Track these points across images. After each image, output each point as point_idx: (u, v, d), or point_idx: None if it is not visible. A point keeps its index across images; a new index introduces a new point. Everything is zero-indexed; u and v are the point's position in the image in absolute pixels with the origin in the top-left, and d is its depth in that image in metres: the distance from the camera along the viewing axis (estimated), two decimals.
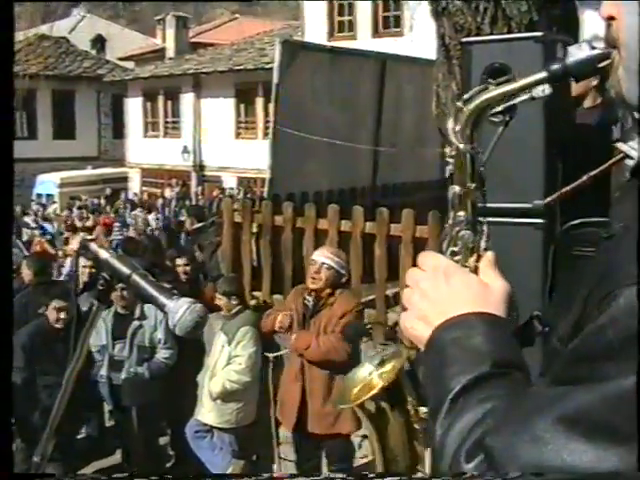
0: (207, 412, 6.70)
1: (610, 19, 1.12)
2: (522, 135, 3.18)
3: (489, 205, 1.32)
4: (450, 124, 1.31)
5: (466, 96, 1.31)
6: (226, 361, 6.57)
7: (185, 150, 28.40)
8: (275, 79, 8.51)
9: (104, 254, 2.08)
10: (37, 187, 30.92)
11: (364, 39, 21.55)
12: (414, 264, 1.26)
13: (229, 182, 26.07)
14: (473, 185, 1.30)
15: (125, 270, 2.01)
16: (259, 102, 25.32)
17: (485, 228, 1.32)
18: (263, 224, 8.01)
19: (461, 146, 1.29)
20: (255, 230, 8.16)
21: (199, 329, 1.91)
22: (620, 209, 1.13)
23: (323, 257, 5.91)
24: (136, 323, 7.01)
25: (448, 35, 6.03)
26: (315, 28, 23.44)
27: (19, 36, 35.38)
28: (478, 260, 1.28)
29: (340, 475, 5.11)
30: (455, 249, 1.30)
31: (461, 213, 1.30)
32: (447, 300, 1.19)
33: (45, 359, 6.53)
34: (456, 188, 1.31)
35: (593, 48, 1.22)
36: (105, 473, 7.47)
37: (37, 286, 7.63)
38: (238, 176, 25.75)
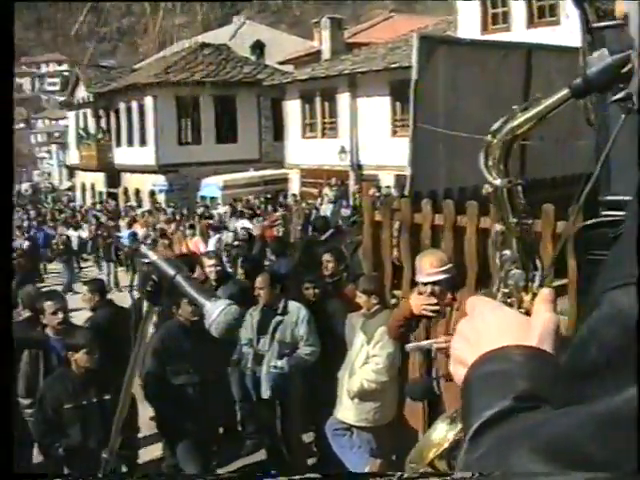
0: (346, 410, 6.71)
1: (625, 18, 1.01)
2: None
3: (609, 198, 1.24)
4: (481, 159, 1.24)
5: (494, 127, 1.24)
6: (364, 360, 6.56)
7: (342, 150, 28.61)
8: (414, 75, 8.39)
9: (152, 256, 2.16)
10: (202, 190, 32.03)
11: (519, 30, 21.03)
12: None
13: (386, 180, 26.04)
14: (514, 220, 1.23)
15: (170, 271, 2.08)
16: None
17: (539, 263, 1.24)
18: (402, 222, 7.94)
19: (497, 182, 1.22)
20: (396, 228, 8.10)
21: (233, 330, 1.91)
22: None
23: (428, 277, 5.76)
24: (278, 318, 7.14)
25: (591, 21, 5.77)
26: (468, 22, 23.12)
27: (182, 45, 36.86)
28: (533, 299, 1.21)
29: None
30: (506, 290, 1.24)
31: (506, 252, 1.23)
32: (481, 338, 1.13)
33: (176, 359, 6.72)
34: (497, 227, 1.24)
35: (612, 53, 1.12)
36: (251, 470, 7.66)
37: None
38: (395, 174, 25.65)
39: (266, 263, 11.35)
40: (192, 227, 21.40)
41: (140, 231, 24.59)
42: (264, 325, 7.20)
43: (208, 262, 9.13)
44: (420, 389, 5.85)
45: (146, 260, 2.13)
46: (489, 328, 1.13)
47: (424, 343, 5.77)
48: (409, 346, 5.91)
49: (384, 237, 8.16)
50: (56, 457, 6.17)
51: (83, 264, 26.89)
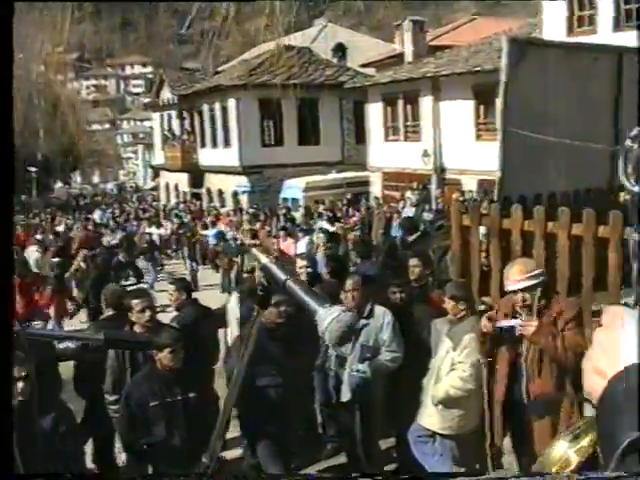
0: (429, 417, 6.64)
1: None
2: None
3: None
4: (620, 165, 1.18)
5: (633, 133, 1.19)
6: (450, 367, 6.48)
7: (425, 153, 28.45)
8: (503, 78, 8.28)
9: (263, 259, 2.13)
10: (284, 191, 32.22)
11: (605, 33, 20.57)
12: None
13: (469, 185, 25.78)
14: None
15: (281, 276, 2.06)
16: (499, 103, 24.73)
17: None
18: (491, 227, 7.84)
19: (635, 189, 1.17)
20: (483, 233, 8.00)
21: (346, 338, 1.88)
22: None
23: (516, 285, 5.66)
24: (363, 322, 7.08)
25: None
26: (553, 24, 22.71)
27: (264, 48, 37.13)
28: None
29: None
30: None
31: None
32: (621, 350, 1.09)
33: (260, 361, 6.56)
34: (635, 235, 1.18)
35: None
36: (330, 472, 7.63)
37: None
38: (478, 179, 25.37)
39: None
40: (284, 229, 21.45)
41: (224, 230, 24.89)
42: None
43: (300, 263, 9.18)
44: (543, 405, 5.76)
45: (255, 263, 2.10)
46: (630, 340, 1.09)
47: (510, 323, 5.73)
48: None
49: (472, 242, 8.06)
50: (139, 454, 6.25)
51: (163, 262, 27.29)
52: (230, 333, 8.73)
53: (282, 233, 20.03)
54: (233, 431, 7.49)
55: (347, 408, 7.25)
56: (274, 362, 6.69)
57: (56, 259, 18.88)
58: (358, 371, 7.03)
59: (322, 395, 7.84)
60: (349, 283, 7.26)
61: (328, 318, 1.85)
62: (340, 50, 43.06)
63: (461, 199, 18.53)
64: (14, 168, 2.15)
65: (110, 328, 7.05)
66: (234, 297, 9.02)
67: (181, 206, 39.06)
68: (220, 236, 23.29)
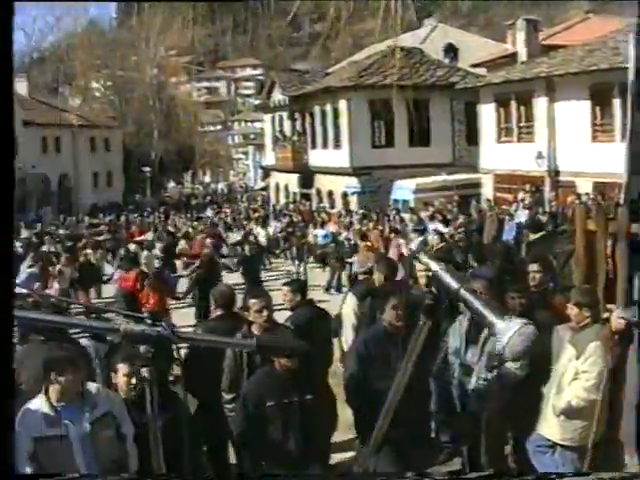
0: (549, 427, 6.44)
1: None
2: None
3: None
4: None
5: None
6: (573, 376, 6.26)
7: (539, 155, 27.83)
8: (630, 76, 7.97)
9: (434, 266, 2.07)
10: (394, 192, 32.13)
11: None
12: None
13: (584, 187, 25.10)
14: None
15: (454, 284, 2.00)
16: (616, 103, 24.01)
17: None
18: (618, 232, 7.55)
19: None
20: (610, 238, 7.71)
21: (530, 353, 1.78)
22: None
23: None
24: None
25: None
26: None
27: (374, 49, 37.10)
28: None
29: None
30: None
31: None
32: None
33: (378, 364, 6.58)
34: None
35: None
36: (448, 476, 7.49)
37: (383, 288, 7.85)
38: (594, 181, 24.70)
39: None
40: (397, 231, 21.35)
41: (334, 231, 24.91)
42: (473, 334, 6.92)
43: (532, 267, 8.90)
44: None
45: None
46: None
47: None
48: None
49: (599, 247, 7.79)
50: (254, 454, 6.24)
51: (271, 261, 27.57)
52: (345, 336, 8.66)
53: (393, 234, 19.92)
54: (347, 433, 7.46)
55: (471, 416, 7.08)
56: (392, 365, 6.46)
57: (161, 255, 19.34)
58: (486, 380, 6.80)
59: (439, 401, 7.63)
60: (476, 287, 6.88)
61: (509, 332, 1.76)
62: (451, 50, 42.60)
63: (578, 202, 18.10)
64: (14, 169, 2.21)
65: (220, 329, 7.26)
66: (350, 299, 8.93)
67: (291, 206, 39.38)
68: (329, 236, 23.33)
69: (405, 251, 17.25)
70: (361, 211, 30.19)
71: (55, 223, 40.83)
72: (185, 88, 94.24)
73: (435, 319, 2.27)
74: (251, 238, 24.67)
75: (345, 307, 8.89)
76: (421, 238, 17.91)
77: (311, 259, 24.69)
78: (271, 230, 29.11)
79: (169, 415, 4.73)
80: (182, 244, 24.79)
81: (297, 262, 24.22)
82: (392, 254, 16.94)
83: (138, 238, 27.05)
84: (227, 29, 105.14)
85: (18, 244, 24.42)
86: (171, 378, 5.80)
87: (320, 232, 25.55)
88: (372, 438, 2.87)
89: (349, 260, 19.73)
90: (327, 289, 20.15)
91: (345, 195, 37.28)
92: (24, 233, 31.17)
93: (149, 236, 27.44)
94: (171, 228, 33.06)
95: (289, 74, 48.69)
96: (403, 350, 6.44)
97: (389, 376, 6.22)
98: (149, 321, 2.25)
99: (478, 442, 7.15)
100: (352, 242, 21.33)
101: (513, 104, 30.16)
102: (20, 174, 49.48)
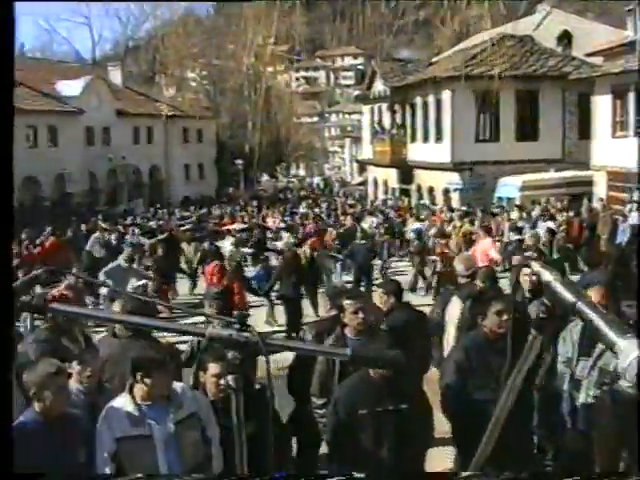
0: None
1: None
2: None
3: None
4: None
5: None
6: None
7: None
8: None
9: (548, 276, 1.95)
10: (498, 190, 31.07)
11: None
12: None
13: None
14: None
15: (570, 297, 1.89)
16: None
17: None
18: None
19: None
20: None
21: None
22: None
23: None
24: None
25: None
26: None
27: (481, 37, 35.53)
28: None
29: None
30: None
31: None
32: None
33: (479, 373, 6.37)
34: None
35: None
36: None
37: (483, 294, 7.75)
38: None
39: None
40: (489, 231, 20.10)
41: (422, 227, 24.40)
42: (585, 345, 6.46)
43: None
44: None
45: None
46: None
47: None
48: None
49: None
50: (342, 460, 6.06)
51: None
52: (446, 339, 8.26)
53: (481, 231, 18.82)
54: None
55: (580, 434, 6.61)
56: (494, 375, 6.04)
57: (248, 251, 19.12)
58: (596, 398, 6.36)
59: (542, 415, 7.11)
60: (593, 295, 6.47)
61: (632, 354, 1.65)
62: (565, 38, 40.52)
63: None
64: (12, 170, 2.32)
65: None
66: (455, 300, 8.43)
67: (389, 202, 38.38)
68: (418, 232, 22.52)
69: (495, 255, 16.05)
70: (463, 208, 28.93)
71: (146, 216, 40.57)
72: (282, 78, 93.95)
73: (547, 334, 2.27)
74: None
75: (451, 309, 8.42)
76: (517, 237, 17.54)
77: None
78: (366, 225, 28.16)
79: (255, 422, 4.14)
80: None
81: (385, 258, 24.13)
82: (479, 256, 15.17)
83: (228, 227, 27.87)
84: (326, 16, 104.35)
85: (112, 236, 24.86)
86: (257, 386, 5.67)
87: (412, 228, 24.97)
88: (475, 459, 2.51)
89: (431, 258, 19.43)
90: (411, 289, 18.87)
91: (447, 192, 35.90)
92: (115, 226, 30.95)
93: (238, 227, 27.74)
94: (269, 221, 32.66)
95: (391, 63, 47.19)
96: (504, 358, 5.24)
97: (489, 386, 6.08)
98: (237, 325, 2.18)
99: (586, 463, 6.49)
100: (436, 241, 20.72)
101: (631, 96, 28.37)
102: (110, 165, 49.64)
